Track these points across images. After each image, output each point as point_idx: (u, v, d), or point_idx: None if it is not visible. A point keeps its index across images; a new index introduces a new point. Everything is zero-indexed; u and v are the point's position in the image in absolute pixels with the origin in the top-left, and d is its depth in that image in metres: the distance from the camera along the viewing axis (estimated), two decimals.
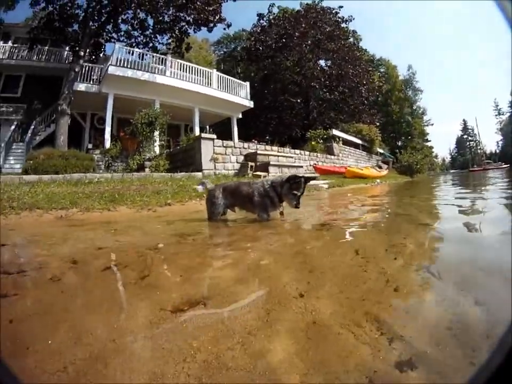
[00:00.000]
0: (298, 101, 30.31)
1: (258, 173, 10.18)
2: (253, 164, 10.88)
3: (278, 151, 13.88)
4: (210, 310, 1.12)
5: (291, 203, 3.28)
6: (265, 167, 10.74)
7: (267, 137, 20.67)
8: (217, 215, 3.47)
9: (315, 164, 16.51)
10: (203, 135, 10.75)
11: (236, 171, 10.91)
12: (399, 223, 3.04)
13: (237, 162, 11.31)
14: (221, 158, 10.63)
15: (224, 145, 11.02)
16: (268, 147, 13.77)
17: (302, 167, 13.03)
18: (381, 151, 32.74)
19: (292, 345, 0.88)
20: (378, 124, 33.91)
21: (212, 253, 2.12)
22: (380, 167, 25.75)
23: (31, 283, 1.59)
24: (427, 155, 40.47)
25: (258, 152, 11.78)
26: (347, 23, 31.36)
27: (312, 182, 10.73)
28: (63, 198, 4.65)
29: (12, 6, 16.49)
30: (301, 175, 3.39)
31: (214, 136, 10.93)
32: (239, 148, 11.69)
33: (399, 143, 52.21)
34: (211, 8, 16.95)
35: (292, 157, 13.66)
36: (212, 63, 42.40)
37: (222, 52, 48.06)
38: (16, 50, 19.03)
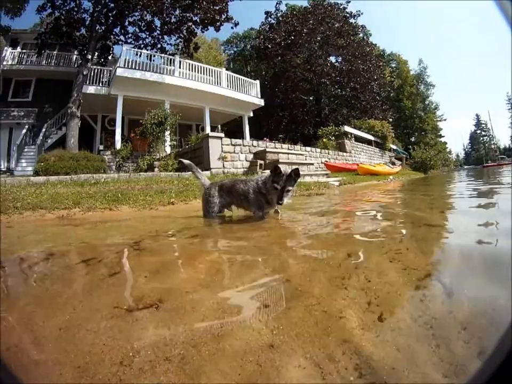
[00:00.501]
0: (310, 98, 30.14)
1: (267, 171, 10.00)
2: (262, 162, 10.68)
3: (289, 149, 13.64)
4: (160, 313, 1.07)
5: (273, 198, 2.98)
6: (274, 165, 10.52)
7: (280, 136, 20.46)
8: (212, 213, 3.31)
9: (326, 161, 16.22)
10: (211, 133, 10.61)
11: (245, 169, 10.74)
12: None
13: (246, 160, 11.13)
14: (229, 156, 10.48)
15: (233, 143, 10.86)
16: (278, 145, 13.55)
17: (312, 164, 12.80)
18: (394, 147, 32.12)
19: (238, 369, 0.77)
20: (391, 119, 33.43)
21: (187, 252, 2.02)
22: (393, 164, 25.28)
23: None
24: (440, 151, 39.67)
25: (268, 150, 11.57)
26: (355, 18, 31.21)
27: (322, 179, 10.65)
28: (67, 198, 4.64)
29: (19, 13, 16.77)
30: (283, 167, 3.02)
31: (222, 134, 10.81)
32: (248, 146, 11.51)
33: (412, 139, 51.29)
34: (217, 8, 16.88)
35: (302, 154, 13.41)
36: (222, 62, 42.52)
37: (232, 51, 48.29)
38: (25, 56, 19.55)
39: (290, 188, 2.92)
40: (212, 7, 16.68)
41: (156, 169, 10.83)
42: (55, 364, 0.81)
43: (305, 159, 13.41)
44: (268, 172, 8.91)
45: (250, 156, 11.36)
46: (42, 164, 10.81)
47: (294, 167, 8.69)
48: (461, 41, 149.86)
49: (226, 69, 21.19)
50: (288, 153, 12.35)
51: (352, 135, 22.04)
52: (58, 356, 0.85)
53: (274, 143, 13.68)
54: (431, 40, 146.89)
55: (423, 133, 53.51)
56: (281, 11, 30.49)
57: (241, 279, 1.38)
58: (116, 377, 0.75)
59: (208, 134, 10.63)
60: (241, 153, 11.10)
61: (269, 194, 3.01)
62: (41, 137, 17.38)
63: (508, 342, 0.57)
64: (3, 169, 17.27)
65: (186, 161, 3.67)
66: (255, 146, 11.83)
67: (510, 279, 1.16)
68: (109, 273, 1.53)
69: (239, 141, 11.24)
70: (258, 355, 0.81)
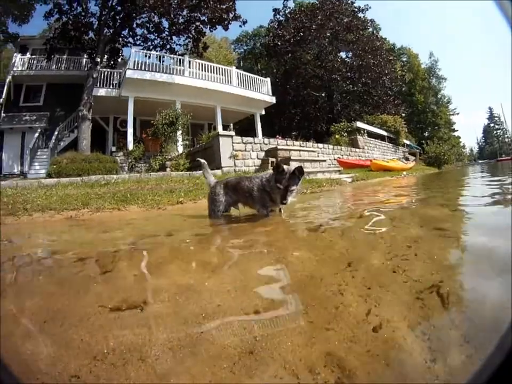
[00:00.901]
0: (322, 94, 29.95)
1: None
2: (273, 159, 10.52)
3: (300, 146, 13.46)
4: (144, 314, 1.07)
5: (276, 198, 2.86)
6: (286, 162, 10.37)
7: (294, 133, 20.32)
8: (217, 212, 3.18)
9: (339, 158, 15.96)
10: (221, 132, 10.51)
11: (257, 167, 10.59)
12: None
13: (258, 158, 10.99)
14: (240, 154, 10.34)
15: (244, 141, 10.72)
16: (290, 142, 13.35)
17: (325, 161, 12.56)
18: (408, 142, 31.63)
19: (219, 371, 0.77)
20: (404, 114, 32.93)
21: (180, 254, 1.95)
22: (407, 159, 24.81)
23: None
24: (454, 145, 38.95)
25: (279, 147, 11.42)
26: (364, 12, 30.88)
27: (334, 176, 10.42)
28: (76, 199, 4.64)
29: (26, 20, 16.99)
30: (285, 166, 2.86)
31: (233, 133, 10.69)
32: (259, 143, 11.36)
33: (426, 134, 50.41)
34: (224, 6, 16.79)
35: (314, 151, 13.22)
36: (232, 61, 42.53)
37: (242, 50, 48.20)
38: (35, 62, 19.83)
39: (293, 188, 2.79)
40: (218, 6, 16.60)
41: (168, 169, 10.78)
42: (33, 353, 0.88)
43: (318, 156, 13.23)
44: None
45: (262, 154, 11.22)
46: (54, 166, 10.88)
47: (306, 164, 8.46)
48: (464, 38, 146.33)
49: (237, 68, 21.10)
50: (300, 150, 12.19)
51: (365, 131, 21.73)
52: (36, 344, 0.93)
53: (286, 140, 13.48)
54: (435, 36, 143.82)
55: (436, 127, 52.52)
56: (289, 8, 30.32)
57: (229, 284, 1.31)
58: (87, 368, 0.78)
59: (218, 132, 10.53)
60: (253, 151, 10.96)
61: (273, 193, 2.89)
62: (53, 141, 17.56)
63: (508, 342, 0.57)
64: (16, 173, 17.57)
65: (202, 160, 3.58)
66: (266, 144, 11.68)
67: None
68: (100, 272, 1.60)
69: (250, 139, 11.11)
70: (234, 362, 0.79)
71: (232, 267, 1.58)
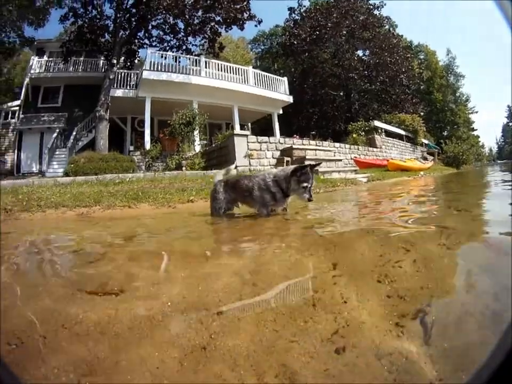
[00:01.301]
0: (340, 93, 29.74)
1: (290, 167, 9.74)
2: (288, 158, 10.43)
3: (317, 145, 13.30)
4: (118, 298, 1.16)
5: (303, 197, 2.94)
6: (301, 161, 10.28)
7: (312, 133, 20.12)
8: (219, 210, 3.24)
9: (355, 157, 15.70)
10: (236, 131, 10.50)
11: (272, 167, 10.52)
12: None
13: (273, 157, 10.91)
14: (255, 154, 10.28)
15: (259, 141, 10.66)
16: (306, 141, 13.21)
17: (341, 160, 12.39)
18: (426, 141, 30.95)
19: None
20: (422, 113, 32.29)
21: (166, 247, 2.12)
22: (425, 159, 24.26)
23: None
24: (473, 145, 37.79)
25: (295, 146, 11.31)
26: (379, 9, 30.54)
27: (350, 176, 10.26)
28: (88, 196, 4.79)
29: (42, 24, 17.40)
30: (306, 164, 3.00)
31: (248, 132, 10.68)
32: (275, 143, 11.28)
33: (445, 133, 49.20)
34: (238, 6, 16.76)
35: (330, 151, 13.06)
36: (250, 61, 42.56)
37: (260, 50, 48.15)
38: (52, 64, 20.25)
39: (313, 184, 2.99)
40: (232, 6, 16.57)
41: (184, 168, 10.81)
42: (11, 317, 1.05)
43: (334, 155, 13.07)
44: (273, 169, 8.65)
45: (277, 153, 11.14)
46: (72, 165, 11.06)
47: (322, 163, 8.29)
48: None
49: (255, 67, 21.04)
50: (316, 150, 12.06)
51: (383, 130, 21.35)
52: (14, 311, 1.10)
53: (302, 140, 13.34)
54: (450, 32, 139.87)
55: (455, 126, 51.22)
56: (305, 6, 30.15)
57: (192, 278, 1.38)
58: (53, 333, 0.93)
59: (233, 131, 10.51)
60: (268, 150, 10.89)
61: (294, 193, 2.98)
62: (71, 140, 17.94)
63: (507, 342, 0.56)
64: (35, 172, 18.00)
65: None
66: (282, 143, 11.59)
67: None
68: (89, 260, 1.73)
69: (265, 138, 11.04)
70: (185, 354, 0.81)
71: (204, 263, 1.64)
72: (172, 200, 4.65)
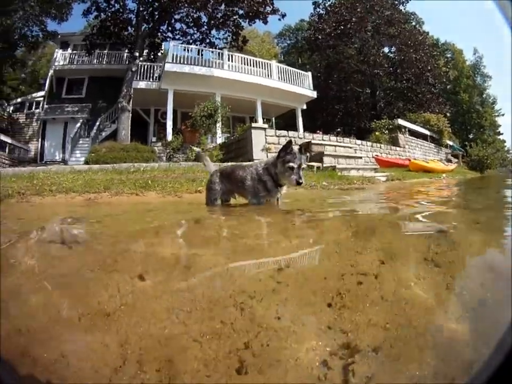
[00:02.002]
0: (366, 90, 29.27)
1: (312, 163, 9.62)
2: (307, 154, 10.32)
3: (337, 141, 13.09)
4: None
5: (290, 180, 2.61)
6: (319, 157, 10.15)
7: (338, 130, 19.86)
8: (214, 201, 3.10)
9: (377, 155, 15.37)
10: (254, 124, 10.46)
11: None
12: None
13: (309, 153, 10.81)
14: (273, 147, 10.18)
15: (277, 134, 10.59)
16: (326, 137, 13.05)
17: (361, 158, 12.17)
18: (451, 143, 30.06)
19: None
20: (448, 114, 31.36)
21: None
22: (449, 161, 23.50)
23: None
24: (498, 149, 36.33)
25: (314, 141, 11.17)
26: (404, 4, 30.01)
27: (369, 174, 10.02)
28: (99, 183, 4.88)
29: (65, 18, 17.88)
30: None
31: (266, 125, 10.63)
32: (294, 137, 11.15)
33: (471, 136, 47.57)
34: (260, 0, 16.69)
35: (351, 147, 12.80)
36: (276, 55, 42.33)
37: (286, 44, 47.88)
38: (76, 57, 20.85)
39: (304, 165, 2.66)
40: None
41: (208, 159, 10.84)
42: None
43: (355, 152, 12.84)
44: (318, 165, 8.43)
45: (296, 148, 11.01)
46: (93, 154, 11.29)
47: (340, 160, 8.15)
48: None
49: (281, 62, 20.89)
50: (335, 146, 11.84)
51: (407, 129, 20.83)
52: None
53: (322, 135, 13.16)
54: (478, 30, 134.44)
55: (481, 129, 49.47)
56: (329, 0, 29.70)
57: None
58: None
59: (251, 124, 10.47)
60: None
61: (282, 177, 2.69)
62: (95, 130, 18.36)
63: (507, 342, 0.56)
64: (58, 160, 18.54)
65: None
66: (301, 138, 11.49)
67: None
68: None
69: (283, 132, 10.96)
70: None
71: None
72: (180, 190, 4.66)
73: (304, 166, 2.65)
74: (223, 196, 3.15)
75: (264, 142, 10.05)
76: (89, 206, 3.75)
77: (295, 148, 2.67)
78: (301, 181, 2.59)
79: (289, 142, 2.65)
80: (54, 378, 0.67)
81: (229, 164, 5.24)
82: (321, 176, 7.61)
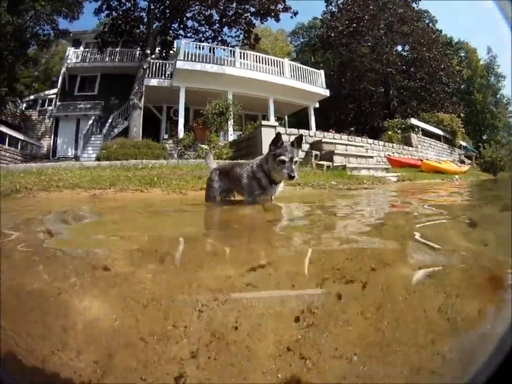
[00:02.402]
0: (380, 89, 29.19)
1: (322, 162, 9.55)
2: (318, 152, 10.21)
3: (349, 140, 12.91)
4: None
5: (281, 174, 2.51)
6: (330, 156, 10.06)
7: (352, 129, 19.63)
8: (213, 198, 3.06)
9: (388, 155, 15.16)
10: (264, 122, 10.40)
11: (301, 160, 10.29)
12: None
13: (302, 151, 10.71)
14: None
15: (288, 132, 10.47)
16: (337, 135, 12.87)
17: (372, 157, 12.01)
18: (464, 144, 29.55)
19: None
20: (462, 114, 30.85)
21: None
22: (462, 162, 23.08)
23: None
24: None
25: (324, 140, 11.06)
26: (417, 2, 29.69)
27: (380, 174, 9.87)
28: (105, 180, 4.93)
29: (76, 16, 18.18)
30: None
31: (276, 123, 10.57)
32: (304, 135, 11.02)
33: (484, 137, 46.64)
34: None
35: (362, 147, 12.64)
36: (290, 53, 42.13)
37: (299, 42, 47.53)
38: (88, 54, 21.04)
39: (297, 159, 2.56)
40: None
41: (212, 157, 10.82)
42: None
43: (366, 152, 12.69)
44: (328, 164, 8.34)
45: (307, 146, 10.91)
46: (104, 151, 11.37)
47: (351, 159, 8.03)
48: None
49: (294, 60, 20.75)
50: (346, 145, 11.72)
51: (420, 129, 20.53)
52: None
53: (333, 134, 13.00)
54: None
55: (495, 130, 48.54)
56: None
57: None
58: None
59: (261, 122, 10.40)
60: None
61: (273, 172, 2.59)
62: (107, 127, 18.47)
63: (507, 342, 0.56)
64: (70, 156, 18.74)
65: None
66: (312, 136, 11.35)
67: None
68: None
69: (294, 130, 10.86)
70: None
71: None
72: (185, 187, 4.67)
73: (296, 159, 2.55)
74: (222, 194, 3.11)
75: None
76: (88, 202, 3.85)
77: (287, 142, 2.60)
78: (293, 175, 2.47)
79: (278, 135, 2.59)
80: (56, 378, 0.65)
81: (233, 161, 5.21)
82: (330, 176, 7.52)
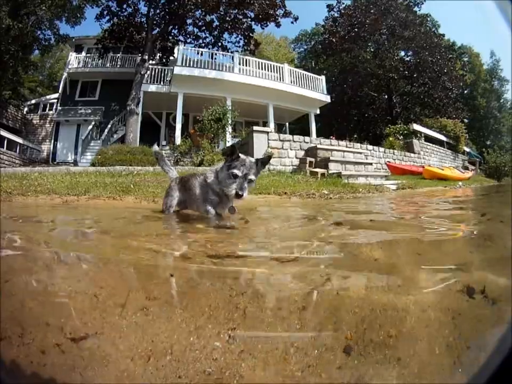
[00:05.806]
0: (383, 95, 29.08)
1: (316, 169, 9.34)
2: (312, 159, 10.02)
3: (347, 146, 12.66)
4: None
5: (229, 189, 2.28)
6: (325, 162, 9.86)
7: (355, 136, 19.37)
8: (169, 208, 2.88)
9: (389, 162, 14.89)
10: (255, 128, 10.26)
11: (295, 167, 10.17)
12: None
13: (296, 157, 10.54)
14: (277, 152, 9.93)
15: (281, 138, 10.33)
16: (334, 141, 12.64)
17: (371, 164, 11.70)
18: (468, 149, 29.24)
19: None
20: (466, 120, 30.56)
21: None
22: (466, 168, 22.77)
23: None
24: None
25: (320, 146, 10.85)
26: (419, 6, 29.56)
27: (378, 182, 9.63)
28: (80, 186, 4.98)
29: (78, 21, 18.28)
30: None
31: (269, 129, 10.49)
32: (299, 142, 10.88)
33: (488, 142, 46.18)
34: (268, 2, 16.65)
35: (361, 153, 12.34)
36: (293, 60, 42.08)
37: (302, 49, 47.51)
38: (89, 60, 21.11)
39: (253, 177, 2.32)
40: (264, 1, 16.49)
41: (205, 163, 10.73)
42: None
43: (366, 158, 12.45)
44: (322, 171, 8.20)
45: (301, 153, 10.75)
46: (99, 156, 11.37)
47: (348, 166, 7.81)
48: None
49: (297, 67, 20.68)
50: (343, 151, 11.42)
51: (422, 135, 20.26)
52: None
53: (331, 140, 12.81)
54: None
55: (498, 135, 48.01)
56: (343, 4, 29.39)
57: None
58: None
59: (253, 128, 10.29)
60: (291, 149, 10.52)
61: (223, 184, 2.35)
62: (106, 133, 18.54)
63: (508, 342, 0.55)
64: (70, 161, 18.82)
65: (155, 148, 3.41)
66: (307, 142, 11.18)
67: None
68: None
69: (288, 136, 10.74)
70: None
71: None
72: (160, 195, 4.51)
73: (252, 178, 2.33)
74: (181, 205, 2.98)
75: (267, 147, 9.83)
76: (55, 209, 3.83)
77: (246, 157, 2.39)
78: (241, 193, 2.25)
79: (233, 147, 2.39)
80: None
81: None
82: (323, 184, 7.34)
